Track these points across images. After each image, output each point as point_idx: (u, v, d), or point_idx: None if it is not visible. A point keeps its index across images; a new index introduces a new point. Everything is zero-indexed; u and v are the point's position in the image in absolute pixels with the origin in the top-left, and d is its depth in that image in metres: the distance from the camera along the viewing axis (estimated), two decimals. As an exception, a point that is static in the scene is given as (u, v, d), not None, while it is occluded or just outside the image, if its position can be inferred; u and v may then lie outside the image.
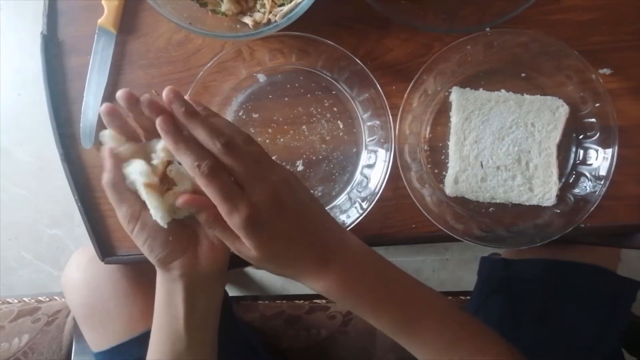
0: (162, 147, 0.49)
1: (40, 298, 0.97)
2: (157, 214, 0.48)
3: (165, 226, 0.48)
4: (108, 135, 0.50)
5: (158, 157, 0.49)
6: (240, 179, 0.44)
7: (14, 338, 0.87)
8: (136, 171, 0.48)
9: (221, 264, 0.54)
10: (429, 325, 0.49)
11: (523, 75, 0.62)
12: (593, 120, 0.60)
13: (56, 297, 0.97)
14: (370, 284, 0.49)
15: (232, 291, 1.47)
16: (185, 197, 0.46)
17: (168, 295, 0.52)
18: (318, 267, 0.47)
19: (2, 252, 1.60)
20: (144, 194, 0.48)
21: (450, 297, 0.92)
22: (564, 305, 0.73)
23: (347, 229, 0.60)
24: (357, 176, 0.63)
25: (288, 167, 0.64)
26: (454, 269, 1.47)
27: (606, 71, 0.61)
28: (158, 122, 0.45)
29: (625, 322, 0.75)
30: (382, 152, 0.61)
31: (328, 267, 0.47)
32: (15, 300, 0.97)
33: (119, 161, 0.49)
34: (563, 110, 0.60)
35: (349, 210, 0.62)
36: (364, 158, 0.63)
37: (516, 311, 0.74)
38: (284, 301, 0.92)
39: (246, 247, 0.46)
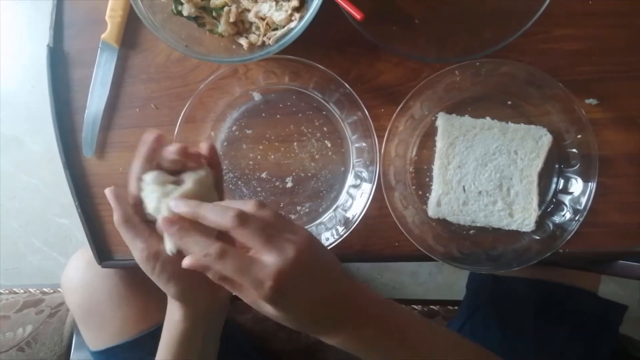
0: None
1: (44, 289, 1.01)
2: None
3: (171, 254, 0.48)
4: (151, 177, 0.49)
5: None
6: (257, 248, 0.43)
7: (18, 328, 0.92)
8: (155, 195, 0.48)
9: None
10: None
11: (509, 103, 0.63)
12: (575, 150, 0.61)
13: (59, 289, 1.01)
14: (384, 342, 0.49)
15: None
16: (189, 260, 0.44)
17: (185, 335, 0.54)
18: (332, 329, 0.48)
19: (13, 238, 1.65)
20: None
21: (438, 307, 0.94)
22: (552, 327, 0.74)
23: (331, 246, 0.62)
24: (344, 195, 0.66)
25: (277, 183, 0.67)
26: (449, 274, 1.49)
27: (592, 101, 0.63)
28: (162, 223, 0.45)
29: (613, 343, 0.77)
30: (367, 174, 0.63)
31: (341, 329, 0.48)
32: (21, 291, 1.01)
33: (125, 199, 0.50)
34: (546, 139, 0.62)
35: (333, 228, 0.64)
36: (351, 178, 0.66)
37: (503, 329, 0.76)
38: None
39: (265, 306, 0.45)
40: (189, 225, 0.45)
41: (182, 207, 0.45)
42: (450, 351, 0.52)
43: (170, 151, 0.49)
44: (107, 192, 0.50)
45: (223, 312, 0.59)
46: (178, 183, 0.50)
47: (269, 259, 0.42)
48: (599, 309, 0.75)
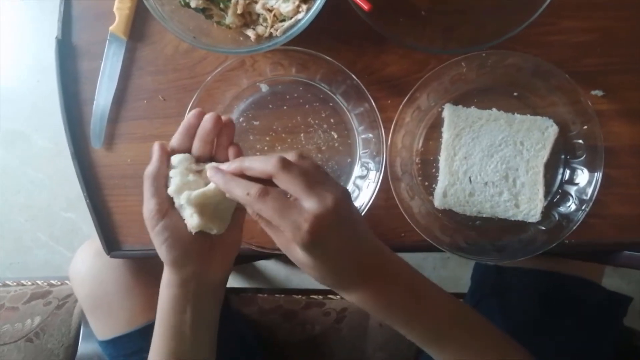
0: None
1: (52, 282, 1.02)
2: (193, 220, 0.51)
3: (193, 232, 0.51)
4: (178, 159, 0.53)
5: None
6: (298, 193, 0.44)
7: (26, 319, 0.92)
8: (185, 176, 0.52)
9: (229, 270, 0.57)
10: (459, 337, 0.52)
11: (515, 94, 0.64)
12: (581, 141, 0.62)
13: (67, 282, 1.02)
14: (405, 301, 0.50)
15: (236, 282, 1.52)
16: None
17: (175, 299, 0.55)
18: (357, 283, 0.49)
19: (19, 232, 1.66)
20: (188, 198, 0.51)
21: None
22: (556, 317, 0.75)
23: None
24: (350, 186, 0.66)
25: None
26: (454, 268, 1.49)
27: (598, 92, 0.63)
28: (208, 172, 0.50)
29: (617, 334, 0.77)
30: (373, 165, 0.64)
31: (366, 284, 0.49)
32: (29, 283, 1.02)
33: (167, 158, 0.53)
34: (552, 130, 0.62)
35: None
36: (357, 169, 0.66)
37: (506, 319, 0.77)
38: (282, 295, 0.95)
39: (296, 251, 0.47)
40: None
41: (229, 167, 0.49)
42: (474, 329, 0.53)
43: (207, 120, 0.53)
44: (156, 145, 0.53)
45: (215, 294, 0.59)
46: (200, 173, 0.54)
47: (308, 204, 0.44)
48: (603, 300, 0.76)
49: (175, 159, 0.53)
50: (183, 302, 0.55)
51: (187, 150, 0.54)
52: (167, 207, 0.52)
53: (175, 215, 0.52)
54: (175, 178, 0.52)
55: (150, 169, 0.52)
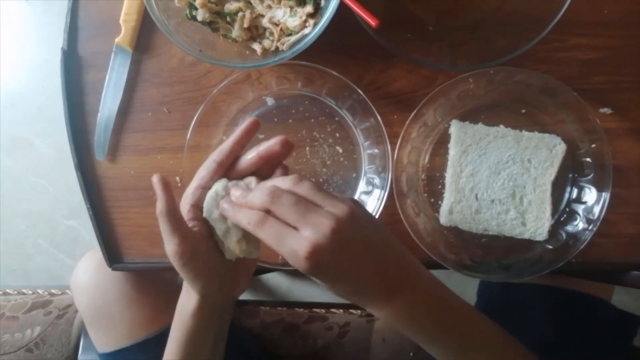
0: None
1: (52, 291, 1.01)
2: (242, 246, 0.50)
3: (234, 259, 0.51)
4: (222, 185, 0.51)
5: None
6: (294, 223, 0.43)
7: (27, 329, 0.92)
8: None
9: (247, 286, 0.57)
10: (483, 357, 0.51)
11: (523, 111, 0.63)
12: (589, 159, 0.61)
13: (67, 291, 1.01)
14: (431, 317, 0.49)
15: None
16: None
17: (200, 329, 0.54)
18: (382, 299, 0.47)
19: (20, 239, 1.66)
20: (227, 227, 0.50)
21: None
22: (566, 336, 0.73)
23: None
24: (355, 201, 0.65)
25: (289, 188, 0.67)
26: (457, 281, 1.47)
27: (606, 110, 0.62)
28: (221, 203, 0.49)
29: (627, 354, 0.76)
30: (379, 181, 0.63)
31: (392, 300, 0.47)
32: (30, 292, 1.01)
33: (170, 189, 0.50)
34: (560, 148, 0.62)
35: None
36: (362, 184, 0.65)
37: (516, 336, 0.75)
38: (285, 308, 0.94)
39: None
40: None
41: (237, 199, 0.48)
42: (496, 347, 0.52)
43: (247, 159, 0.52)
44: (155, 179, 0.49)
45: (231, 311, 0.59)
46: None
47: (305, 233, 0.42)
48: (614, 319, 0.75)
49: (219, 185, 0.51)
50: (208, 330, 0.54)
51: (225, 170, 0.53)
52: (192, 242, 0.49)
53: (202, 247, 0.50)
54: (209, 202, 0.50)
55: (160, 205, 0.48)
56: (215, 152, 0.52)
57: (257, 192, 0.46)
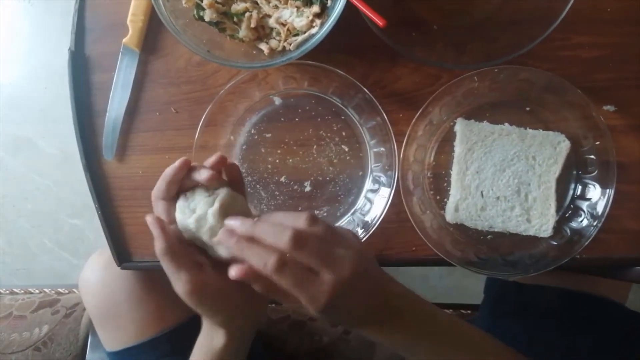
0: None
1: (60, 290, 1.02)
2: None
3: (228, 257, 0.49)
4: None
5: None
6: (316, 267, 0.44)
7: (34, 328, 0.92)
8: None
9: (266, 308, 0.58)
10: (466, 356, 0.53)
11: (528, 109, 0.64)
12: (593, 156, 0.62)
13: (75, 290, 1.02)
14: (410, 326, 0.51)
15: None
16: (238, 270, 0.45)
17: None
18: (372, 326, 0.50)
19: (25, 239, 1.67)
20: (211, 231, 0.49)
21: (451, 311, 0.95)
22: (578, 337, 0.74)
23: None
24: (362, 199, 0.66)
25: (296, 187, 0.67)
26: (460, 278, 1.49)
27: (610, 108, 0.63)
28: (221, 236, 0.46)
29: (638, 357, 0.76)
30: (385, 179, 0.64)
31: (379, 327, 0.50)
32: (37, 291, 1.02)
33: (167, 227, 0.49)
34: (564, 145, 0.62)
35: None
36: (369, 182, 0.66)
37: (528, 338, 0.76)
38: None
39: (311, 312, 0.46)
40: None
41: (239, 227, 0.46)
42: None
43: (204, 171, 0.51)
44: (149, 219, 0.49)
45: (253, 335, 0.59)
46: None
47: (326, 277, 0.43)
48: (625, 321, 0.75)
49: (200, 204, 0.50)
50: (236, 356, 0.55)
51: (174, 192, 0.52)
52: (201, 275, 0.48)
53: (212, 277, 0.49)
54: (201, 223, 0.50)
55: (160, 245, 0.47)
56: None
57: (273, 232, 0.44)
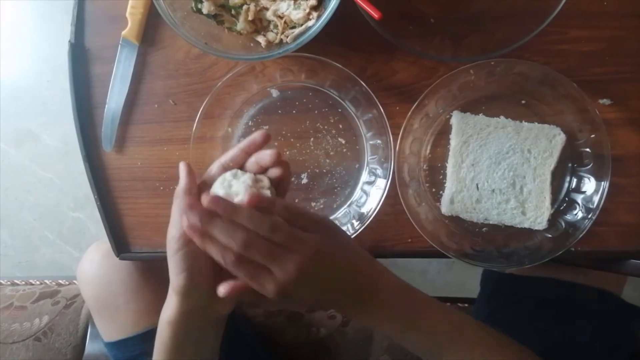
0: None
1: (60, 281, 1.03)
2: None
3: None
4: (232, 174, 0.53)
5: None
6: (265, 263, 0.47)
7: (35, 318, 0.94)
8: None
9: (235, 303, 0.58)
10: (458, 346, 0.53)
11: (523, 102, 0.64)
12: (588, 150, 0.62)
13: (75, 282, 1.03)
14: (404, 310, 0.53)
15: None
16: (226, 287, 0.49)
17: (176, 337, 0.54)
18: (350, 307, 0.53)
19: (27, 231, 1.68)
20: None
21: (448, 304, 0.95)
22: (573, 328, 0.74)
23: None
24: (358, 191, 0.67)
25: (293, 179, 0.68)
26: (459, 272, 1.49)
27: (606, 101, 0.63)
28: (186, 229, 0.47)
29: (633, 347, 0.77)
30: (381, 171, 0.64)
31: (361, 306, 0.52)
32: (37, 282, 1.03)
33: (194, 178, 0.52)
34: (559, 138, 0.62)
35: (348, 223, 0.65)
36: (365, 175, 0.67)
37: (522, 329, 0.76)
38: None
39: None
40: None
41: (216, 206, 0.47)
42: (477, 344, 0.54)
43: (267, 153, 0.52)
44: (182, 165, 0.52)
45: (218, 327, 0.59)
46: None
47: (275, 272, 0.47)
48: (620, 312, 0.75)
49: (229, 174, 0.53)
50: (185, 343, 0.55)
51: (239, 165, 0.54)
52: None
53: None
54: (217, 189, 0.52)
55: (181, 186, 0.51)
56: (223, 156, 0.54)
57: (226, 234, 0.46)
